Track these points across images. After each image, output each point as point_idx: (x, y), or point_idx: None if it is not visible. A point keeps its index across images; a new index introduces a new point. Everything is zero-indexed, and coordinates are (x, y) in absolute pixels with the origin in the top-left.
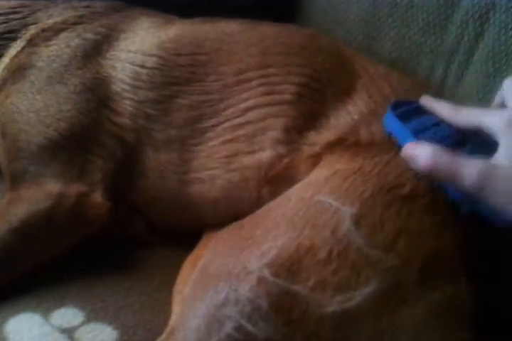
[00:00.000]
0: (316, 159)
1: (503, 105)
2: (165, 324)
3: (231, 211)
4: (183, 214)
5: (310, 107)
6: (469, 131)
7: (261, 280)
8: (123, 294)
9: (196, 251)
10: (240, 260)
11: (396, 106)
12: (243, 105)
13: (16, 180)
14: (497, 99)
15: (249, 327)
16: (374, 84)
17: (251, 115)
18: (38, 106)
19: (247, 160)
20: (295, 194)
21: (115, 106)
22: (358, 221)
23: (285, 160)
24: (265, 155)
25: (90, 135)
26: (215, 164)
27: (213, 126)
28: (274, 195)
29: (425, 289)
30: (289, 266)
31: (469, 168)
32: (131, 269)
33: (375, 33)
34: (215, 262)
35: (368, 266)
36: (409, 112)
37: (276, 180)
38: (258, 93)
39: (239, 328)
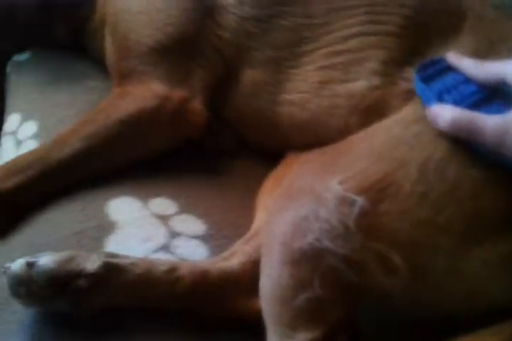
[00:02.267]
0: (409, 95)
1: None
2: (247, 226)
3: (316, 135)
4: (270, 132)
5: (412, 41)
6: (496, 85)
7: (342, 200)
8: (212, 194)
9: (279, 169)
10: (324, 180)
11: (423, 67)
12: (345, 32)
13: (124, 78)
14: None
15: (327, 242)
16: (481, 26)
17: (351, 43)
18: (148, 8)
19: (340, 88)
20: (383, 129)
21: (219, 20)
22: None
23: (378, 92)
24: (359, 84)
25: (195, 43)
26: (308, 88)
27: (311, 50)
28: (361, 125)
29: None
30: (372, 193)
31: (487, 124)
32: (220, 174)
33: None
34: (300, 180)
35: (453, 204)
36: (436, 72)
37: (366, 111)
38: (362, 21)
39: (319, 241)
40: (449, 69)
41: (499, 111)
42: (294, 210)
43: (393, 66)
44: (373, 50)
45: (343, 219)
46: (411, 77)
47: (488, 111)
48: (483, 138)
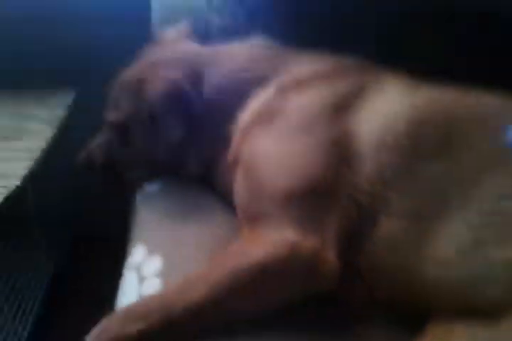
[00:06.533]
0: None
1: None
2: None
3: (469, 304)
4: (410, 292)
5: None
6: None
7: None
8: None
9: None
10: None
11: None
12: (498, 191)
13: (255, 220)
14: None
15: None
16: None
17: (506, 203)
18: (284, 153)
19: (496, 254)
20: None
21: (355, 166)
22: None
23: None
24: None
25: (330, 190)
26: (457, 248)
27: (458, 206)
28: None
29: None
30: None
31: None
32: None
33: None
34: None
35: None
36: None
37: None
38: None
39: None
40: None
41: None
42: None
43: None
44: None
45: None
46: None
47: None
48: None
